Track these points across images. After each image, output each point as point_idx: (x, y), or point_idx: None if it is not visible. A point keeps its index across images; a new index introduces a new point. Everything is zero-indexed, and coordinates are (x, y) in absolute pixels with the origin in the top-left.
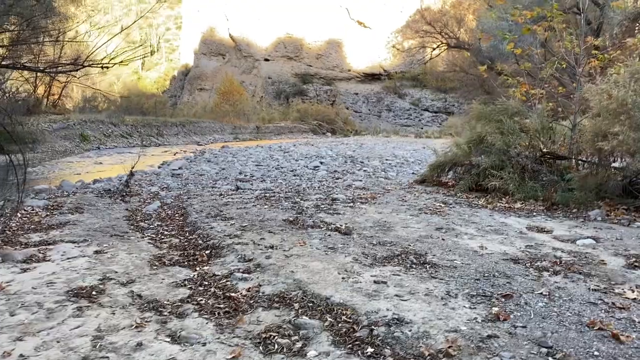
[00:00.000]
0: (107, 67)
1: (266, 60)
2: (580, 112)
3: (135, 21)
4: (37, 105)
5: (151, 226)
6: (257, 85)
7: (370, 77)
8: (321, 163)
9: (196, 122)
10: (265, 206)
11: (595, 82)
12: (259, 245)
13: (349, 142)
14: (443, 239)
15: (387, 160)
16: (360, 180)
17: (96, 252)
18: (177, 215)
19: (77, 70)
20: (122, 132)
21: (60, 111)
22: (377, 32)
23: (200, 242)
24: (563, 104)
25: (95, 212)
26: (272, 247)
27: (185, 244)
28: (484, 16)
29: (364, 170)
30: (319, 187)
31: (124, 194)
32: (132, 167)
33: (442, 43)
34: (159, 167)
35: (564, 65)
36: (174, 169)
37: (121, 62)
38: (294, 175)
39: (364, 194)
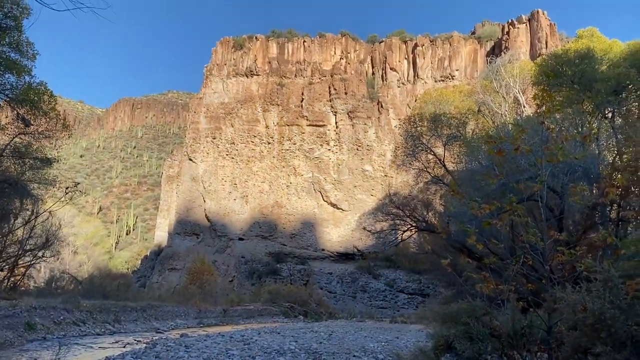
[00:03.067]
0: None
1: (240, 239)
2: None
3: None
4: None
5: None
6: (230, 264)
7: (344, 256)
8: None
9: (158, 306)
10: None
11: (565, 289)
12: None
13: (319, 330)
14: None
15: (355, 356)
16: None
17: None
18: None
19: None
20: (75, 319)
21: (10, 296)
22: (350, 214)
23: None
24: (534, 303)
25: None
26: None
27: None
28: (450, 202)
29: None
30: None
31: None
32: None
33: (412, 226)
34: None
35: (530, 261)
36: None
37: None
38: None
39: None
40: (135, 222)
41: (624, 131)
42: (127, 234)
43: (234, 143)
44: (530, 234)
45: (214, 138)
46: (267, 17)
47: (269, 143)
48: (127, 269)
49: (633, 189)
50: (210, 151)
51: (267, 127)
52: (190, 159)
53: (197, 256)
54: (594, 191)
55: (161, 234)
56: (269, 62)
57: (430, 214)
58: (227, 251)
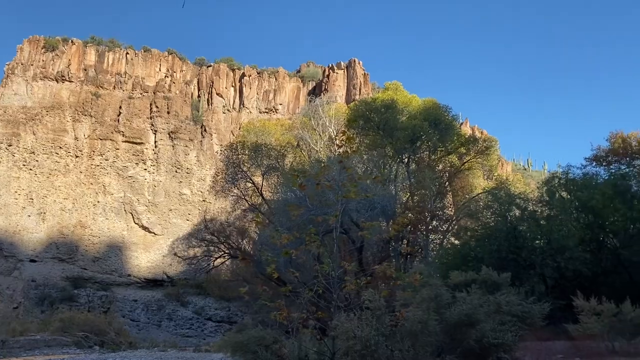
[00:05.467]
0: None
1: (32, 261)
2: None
3: None
4: None
5: None
6: (17, 289)
7: (153, 283)
8: None
9: None
10: None
11: (340, 318)
12: None
13: None
14: None
15: None
16: None
17: None
18: None
19: None
20: None
21: None
22: (162, 238)
23: None
24: (323, 330)
25: None
26: None
27: None
28: (264, 229)
29: None
30: None
31: None
32: None
33: (225, 253)
34: None
35: (321, 290)
36: None
37: None
38: None
39: None
40: None
41: (416, 175)
42: None
43: (34, 152)
44: (325, 264)
45: (10, 145)
46: (85, 20)
47: (77, 156)
48: None
49: (420, 227)
50: (3, 159)
51: (76, 138)
52: None
53: None
54: (390, 227)
55: None
56: (85, 70)
57: (245, 241)
58: (14, 274)
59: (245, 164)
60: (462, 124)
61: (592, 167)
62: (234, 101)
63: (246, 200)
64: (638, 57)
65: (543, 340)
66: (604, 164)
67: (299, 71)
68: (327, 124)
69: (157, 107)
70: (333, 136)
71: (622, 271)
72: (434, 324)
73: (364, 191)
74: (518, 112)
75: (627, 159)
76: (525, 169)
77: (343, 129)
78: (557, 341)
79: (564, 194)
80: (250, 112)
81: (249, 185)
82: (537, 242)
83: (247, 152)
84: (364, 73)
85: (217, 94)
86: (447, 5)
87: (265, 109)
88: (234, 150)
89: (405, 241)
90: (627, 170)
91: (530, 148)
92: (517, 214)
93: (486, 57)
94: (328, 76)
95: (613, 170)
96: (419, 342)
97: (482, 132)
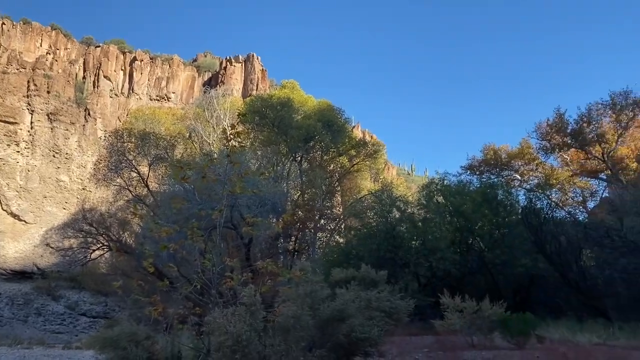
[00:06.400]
0: None
1: None
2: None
3: None
4: None
5: None
6: None
7: (21, 275)
8: None
9: None
10: None
11: (214, 313)
12: None
13: None
14: None
15: None
16: None
17: None
18: None
19: None
20: None
21: None
22: (35, 227)
23: None
24: (200, 326)
25: None
26: None
27: None
28: (147, 222)
29: None
30: None
31: None
32: None
33: (104, 245)
34: None
35: (199, 286)
36: None
37: None
38: None
39: None
40: None
41: (307, 174)
42: None
43: None
44: (207, 259)
45: None
46: None
47: None
48: None
49: (308, 225)
50: None
51: None
52: None
53: None
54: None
55: None
56: None
57: (127, 234)
58: None
59: (131, 153)
60: (354, 127)
61: (467, 175)
62: (122, 86)
63: (130, 191)
64: (515, 72)
65: (412, 335)
66: (477, 173)
67: (195, 60)
68: (222, 116)
69: (35, 85)
70: (227, 129)
71: (485, 272)
72: (307, 319)
73: (255, 187)
74: (407, 120)
75: (497, 169)
76: (409, 174)
77: (234, 122)
78: (425, 336)
79: (440, 198)
80: (140, 98)
81: (134, 175)
82: (413, 242)
83: (133, 140)
84: (262, 69)
85: (105, 76)
86: (348, 10)
87: (157, 96)
88: (119, 137)
89: (293, 238)
90: (496, 180)
91: (414, 154)
92: (397, 215)
93: (381, 66)
94: (225, 68)
95: (484, 180)
96: (291, 337)
97: (372, 136)
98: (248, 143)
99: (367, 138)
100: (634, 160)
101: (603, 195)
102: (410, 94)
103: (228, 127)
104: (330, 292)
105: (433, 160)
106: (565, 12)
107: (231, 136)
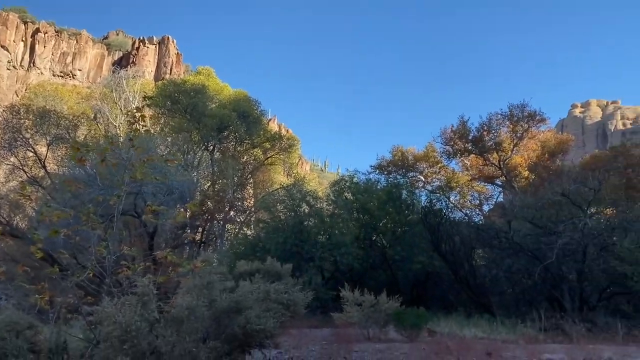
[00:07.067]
0: None
1: None
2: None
3: None
4: None
5: None
6: None
7: None
8: None
9: None
10: None
11: (103, 303)
12: None
13: None
14: None
15: None
16: None
17: None
18: None
19: None
20: None
21: None
22: None
23: None
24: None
25: None
26: None
27: None
28: (41, 205)
29: None
30: None
31: None
32: None
33: None
34: None
35: (92, 274)
36: None
37: None
38: None
39: None
40: None
41: (219, 164)
42: None
43: None
44: (102, 247)
45: None
46: None
47: None
48: None
49: (217, 216)
50: None
51: None
52: None
53: None
54: (184, 213)
55: None
56: None
57: (18, 217)
58: None
59: (29, 131)
60: (270, 120)
61: (375, 174)
62: (22, 58)
63: (25, 171)
64: (430, 76)
65: (312, 327)
66: (385, 172)
67: (105, 38)
68: (131, 99)
69: None
70: (135, 113)
71: (386, 267)
72: (202, 310)
73: (162, 175)
74: (324, 117)
75: (404, 170)
76: (322, 170)
77: (140, 105)
78: (324, 328)
79: (349, 195)
80: (42, 73)
81: (30, 154)
82: (319, 237)
83: (32, 117)
84: (177, 52)
85: (2, 46)
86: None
87: (61, 72)
88: (15, 113)
89: (200, 229)
90: (401, 180)
91: (329, 151)
92: (306, 210)
93: (302, 62)
94: (138, 49)
95: (391, 179)
96: (185, 328)
97: (287, 131)
98: (158, 128)
99: (283, 132)
100: (526, 168)
101: (497, 200)
102: (328, 91)
103: (137, 110)
104: (233, 284)
105: (346, 158)
106: (475, 25)
107: (136, 119)
